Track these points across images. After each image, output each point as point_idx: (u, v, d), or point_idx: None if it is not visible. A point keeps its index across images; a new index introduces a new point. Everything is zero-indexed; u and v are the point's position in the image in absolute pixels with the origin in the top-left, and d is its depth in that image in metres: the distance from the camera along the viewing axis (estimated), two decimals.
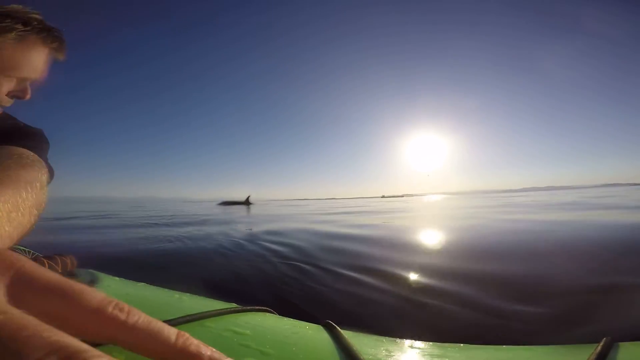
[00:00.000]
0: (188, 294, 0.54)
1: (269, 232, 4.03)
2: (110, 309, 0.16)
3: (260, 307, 0.53)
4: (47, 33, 0.57)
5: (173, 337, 0.17)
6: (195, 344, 0.17)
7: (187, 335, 0.17)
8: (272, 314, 0.53)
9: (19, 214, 0.34)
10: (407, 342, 0.41)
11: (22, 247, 0.79)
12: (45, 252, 0.64)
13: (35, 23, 0.55)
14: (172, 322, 0.36)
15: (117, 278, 0.58)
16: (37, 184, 0.42)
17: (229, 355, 0.33)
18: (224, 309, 0.46)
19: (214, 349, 0.18)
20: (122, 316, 0.16)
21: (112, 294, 0.48)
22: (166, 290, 0.55)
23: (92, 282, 0.55)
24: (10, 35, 0.52)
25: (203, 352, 0.17)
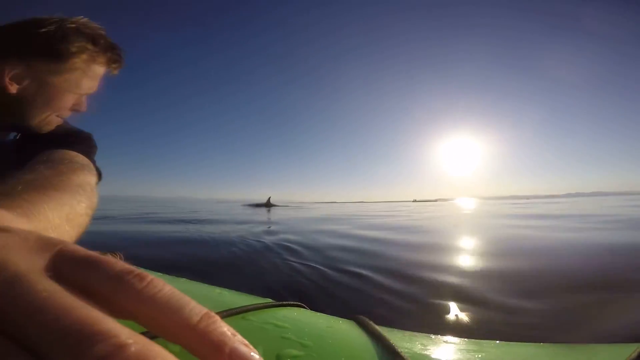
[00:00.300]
0: (227, 289, 0.58)
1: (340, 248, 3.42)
2: (129, 277, 0.15)
3: (295, 302, 0.55)
4: (111, 52, 0.61)
5: (195, 318, 0.14)
6: (220, 331, 0.14)
7: (214, 318, 0.15)
8: (305, 309, 0.55)
9: (77, 215, 0.37)
10: (442, 338, 0.41)
11: None
12: (98, 250, 0.68)
13: (102, 42, 0.59)
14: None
15: (159, 274, 0.62)
16: (88, 187, 0.45)
17: (272, 346, 0.35)
18: (262, 303, 0.49)
19: (244, 340, 0.15)
20: (139, 285, 0.14)
21: None
22: (207, 285, 0.59)
23: None
24: (83, 57, 0.57)
25: (227, 342, 0.14)
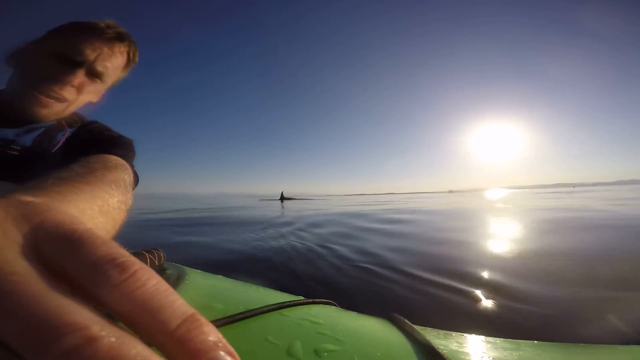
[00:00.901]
0: (262, 287, 0.60)
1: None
2: (107, 266, 0.13)
3: (327, 300, 0.57)
4: (135, 50, 0.70)
5: (175, 322, 0.12)
6: (200, 338, 0.12)
7: (197, 323, 0.13)
8: (336, 307, 0.57)
9: (110, 209, 0.37)
10: (477, 337, 0.41)
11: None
12: (136, 248, 0.70)
13: (128, 42, 0.68)
14: (255, 312, 0.41)
15: (199, 271, 0.66)
16: (122, 184, 0.46)
17: (310, 341, 0.37)
18: (296, 300, 0.51)
19: (230, 349, 0.13)
20: (118, 277, 0.12)
21: (198, 286, 0.55)
22: (243, 282, 0.62)
23: (179, 275, 0.63)
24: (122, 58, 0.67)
25: (206, 351, 0.12)
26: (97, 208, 0.33)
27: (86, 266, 0.13)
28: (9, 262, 0.12)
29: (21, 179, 0.57)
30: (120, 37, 0.67)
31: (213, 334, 0.13)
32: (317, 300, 0.54)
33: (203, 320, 0.13)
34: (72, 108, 0.67)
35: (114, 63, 0.67)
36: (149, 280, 0.13)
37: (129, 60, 0.71)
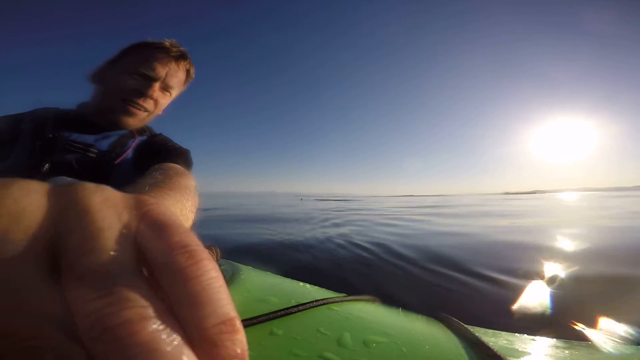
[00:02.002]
0: (308, 284, 0.64)
1: None
2: (179, 250, 0.13)
3: (370, 297, 0.59)
4: (193, 67, 0.79)
5: (211, 321, 0.12)
6: (227, 345, 0.12)
7: (234, 328, 0.12)
8: (380, 303, 0.59)
9: (186, 212, 0.43)
10: (529, 337, 0.41)
11: None
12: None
13: (188, 60, 0.77)
14: (307, 305, 0.45)
15: (251, 268, 0.72)
16: (192, 189, 0.52)
17: (358, 333, 0.39)
18: (341, 296, 0.53)
19: None
20: (184, 262, 0.13)
21: (253, 282, 0.60)
22: (290, 279, 0.66)
23: (234, 272, 0.69)
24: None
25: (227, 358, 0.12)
26: (179, 211, 0.38)
27: (162, 248, 0.13)
28: (109, 242, 0.13)
29: (98, 178, 0.66)
30: (183, 56, 0.76)
31: (240, 345, 0.12)
32: (361, 296, 0.57)
33: (238, 327, 0.13)
34: (150, 117, 0.78)
35: (179, 78, 0.77)
36: (208, 273, 0.13)
37: (188, 76, 0.81)
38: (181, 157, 0.75)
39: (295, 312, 0.42)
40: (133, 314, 0.11)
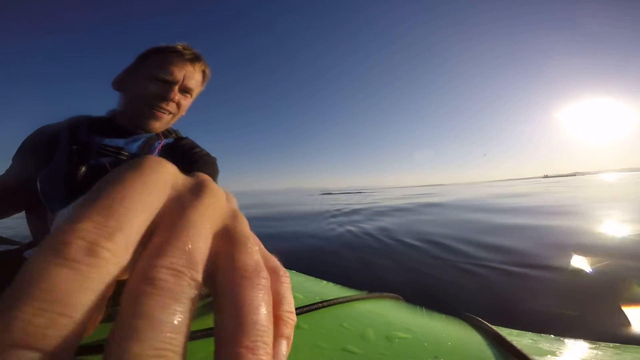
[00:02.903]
0: (330, 282, 0.66)
1: None
2: (253, 274, 0.13)
3: (393, 294, 0.60)
4: (208, 67, 0.84)
5: (243, 339, 0.11)
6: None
7: (261, 350, 0.11)
8: (402, 301, 0.60)
9: None
10: (552, 337, 0.40)
11: None
12: None
13: (203, 61, 0.81)
14: (331, 302, 0.46)
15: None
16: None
17: (381, 329, 0.41)
18: (364, 294, 0.55)
19: None
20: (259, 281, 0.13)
21: None
22: (313, 278, 0.68)
23: None
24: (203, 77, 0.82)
25: None
26: None
27: (235, 268, 0.13)
28: (201, 227, 0.13)
29: None
30: (197, 57, 0.80)
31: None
32: (384, 294, 0.58)
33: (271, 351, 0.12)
34: (175, 119, 0.83)
35: (196, 79, 0.81)
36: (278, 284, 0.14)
37: (204, 76, 0.85)
38: (208, 166, 0.79)
39: (319, 308, 0.43)
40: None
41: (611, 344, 0.38)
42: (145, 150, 0.76)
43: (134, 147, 0.76)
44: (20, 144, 0.77)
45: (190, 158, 0.80)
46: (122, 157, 0.72)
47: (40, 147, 0.73)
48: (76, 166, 0.68)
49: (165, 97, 0.75)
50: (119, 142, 0.75)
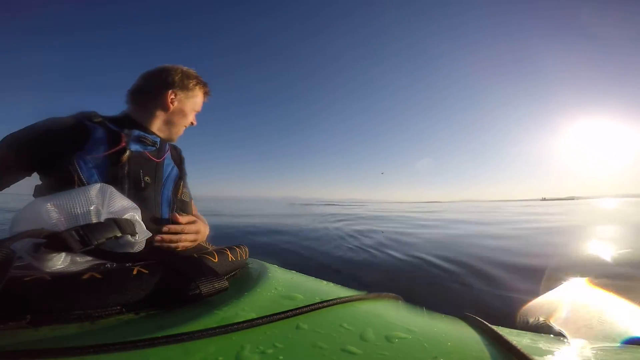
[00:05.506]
0: (331, 282, 0.66)
1: None
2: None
3: (393, 295, 0.60)
4: (207, 87, 1.00)
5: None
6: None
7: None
8: (402, 301, 0.60)
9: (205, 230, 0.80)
10: (552, 337, 0.40)
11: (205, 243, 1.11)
12: (226, 244, 0.81)
13: (201, 80, 0.98)
14: (331, 302, 0.47)
15: (276, 266, 0.74)
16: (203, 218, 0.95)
17: (380, 330, 0.41)
18: (363, 294, 0.55)
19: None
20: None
21: (280, 279, 0.63)
22: (313, 278, 0.69)
23: (261, 270, 0.72)
24: (197, 88, 0.97)
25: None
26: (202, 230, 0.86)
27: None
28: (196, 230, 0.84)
29: (159, 166, 0.88)
30: (209, 91, 1.01)
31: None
32: (384, 294, 0.58)
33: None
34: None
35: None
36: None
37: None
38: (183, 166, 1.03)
39: (319, 309, 0.44)
40: None
41: (611, 344, 0.38)
42: (163, 147, 0.93)
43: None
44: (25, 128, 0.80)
45: (179, 158, 1.00)
46: (155, 147, 0.87)
47: (71, 130, 0.78)
48: (122, 150, 0.78)
49: (192, 124, 1.00)
50: (149, 135, 0.90)
